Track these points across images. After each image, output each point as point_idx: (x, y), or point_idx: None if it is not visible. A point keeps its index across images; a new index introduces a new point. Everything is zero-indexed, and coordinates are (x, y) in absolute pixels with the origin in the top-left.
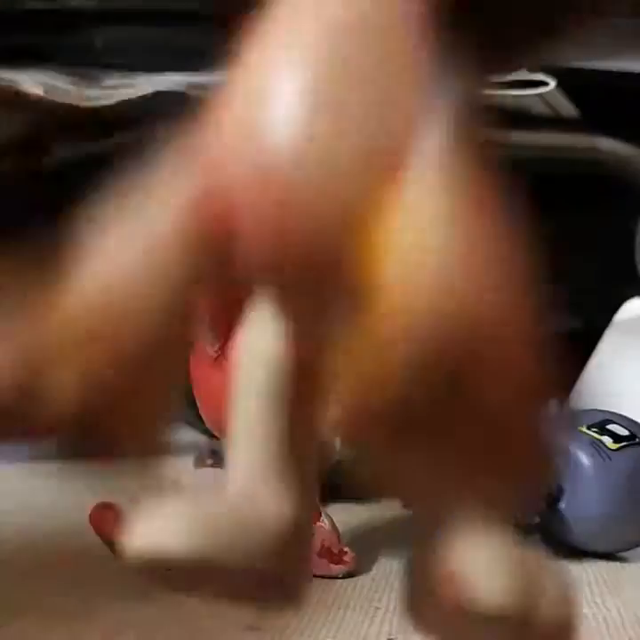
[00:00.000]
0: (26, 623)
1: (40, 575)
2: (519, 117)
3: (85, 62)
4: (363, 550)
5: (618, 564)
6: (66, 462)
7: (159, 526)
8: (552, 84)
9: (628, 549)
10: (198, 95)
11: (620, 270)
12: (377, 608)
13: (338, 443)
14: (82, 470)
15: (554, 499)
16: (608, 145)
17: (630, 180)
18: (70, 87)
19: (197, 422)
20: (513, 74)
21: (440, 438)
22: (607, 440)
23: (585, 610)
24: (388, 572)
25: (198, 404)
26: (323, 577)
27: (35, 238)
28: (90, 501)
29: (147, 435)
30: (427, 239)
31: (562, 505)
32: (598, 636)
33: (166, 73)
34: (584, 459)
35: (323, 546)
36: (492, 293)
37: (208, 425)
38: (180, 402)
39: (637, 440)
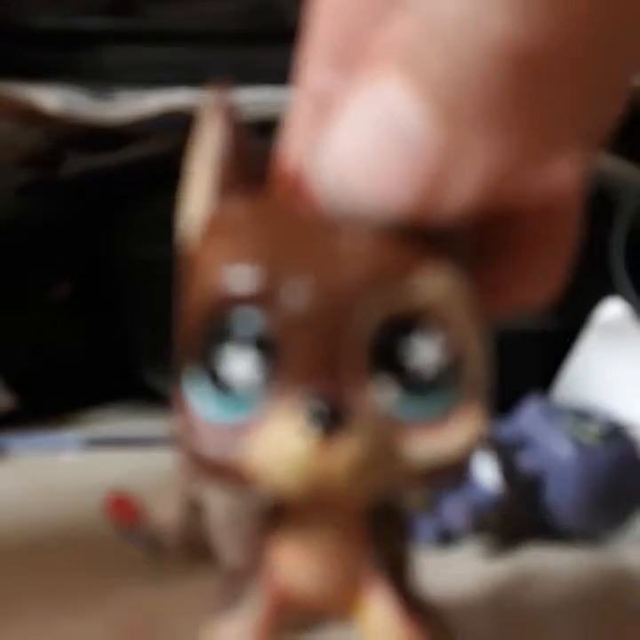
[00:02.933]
0: (30, 605)
1: (52, 561)
2: None
3: (98, 79)
4: None
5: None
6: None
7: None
8: None
9: (608, 534)
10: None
11: (597, 273)
12: None
13: None
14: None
15: (537, 490)
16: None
17: (606, 190)
18: (84, 103)
19: None
20: None
21: None
22: (586, 434)
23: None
24: None
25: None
26: None
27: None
28: (105, 490)
29: None
30: None
31: (544, 497)
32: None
33: (175, 89)
34: (566, 452)
35: None
36: None
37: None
38: None
39: (617, 433)
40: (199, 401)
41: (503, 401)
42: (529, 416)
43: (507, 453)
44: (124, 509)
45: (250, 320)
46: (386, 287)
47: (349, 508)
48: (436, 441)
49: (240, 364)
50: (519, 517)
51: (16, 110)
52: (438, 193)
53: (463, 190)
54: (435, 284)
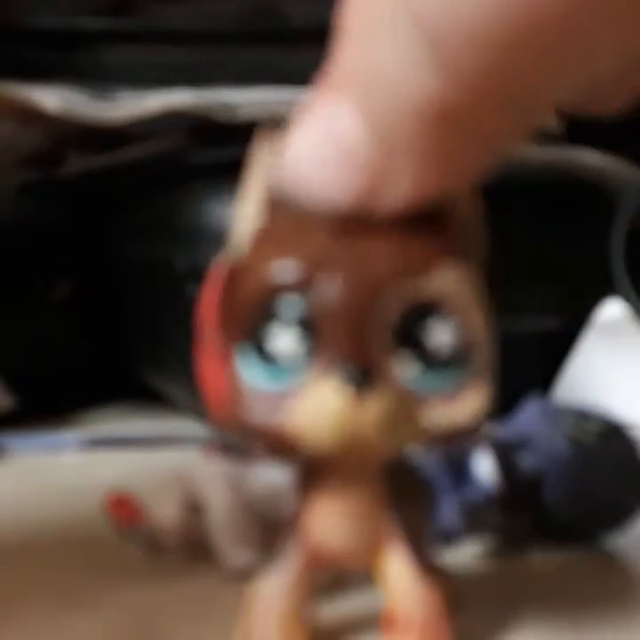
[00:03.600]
0: (30, 605)
1: (51, 560)
2: None
3: (98, 79)
4: None
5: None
6: (86, 452)
7: None
8: None
9: (608, 534)
10: (209, 111)
11: (597, 273)
12: None
13: None
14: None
15: (536, 489)
16: (588, 158)
17: (607, 190)
18: (84, 103)
19: (204, 416)
20: None
21: None
22: (585, 433)
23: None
24: None
25: (206, 399)
26: None
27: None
28: (105, 490)
29: None
30: None
31: (543, 495)
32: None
33: (175, 89)
34: (565, 452)
35: None
36: None
37: (213, 417)
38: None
39: (617, 433)
40: (249, 373)
41: (503, 401)
42: (529, 416)
43: (506, 453)
44: (124, 509)
45: (293, 304)
46: (407, 279)
47: (369, 474)
48: (449, 410)
49: (285, 340)
50: (518, 517)
51: (16, 110)
52: (371, 197)
53: (391, 197)
54: (449, 278)
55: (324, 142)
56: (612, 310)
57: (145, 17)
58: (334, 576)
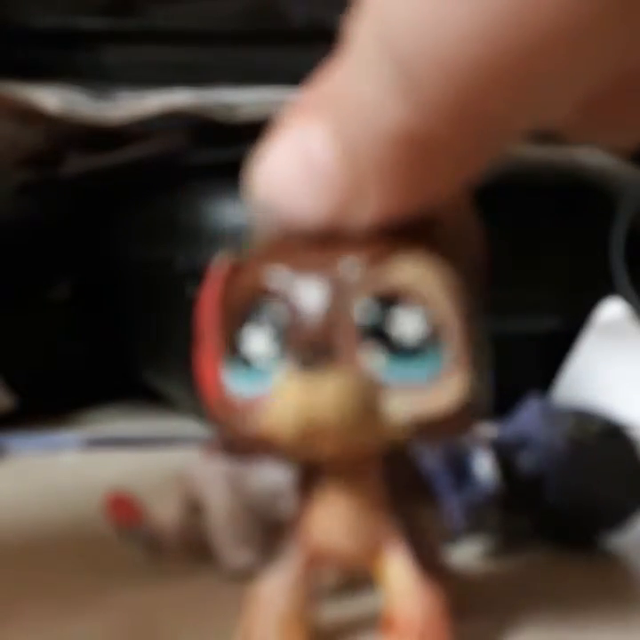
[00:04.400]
0: (30, 606)
1: (51, 561)
2: None
3: (98, 79)
4: None
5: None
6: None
7: None
8: None
9: (608, 534)
10: (209, 111)
11: (597, 273)
12: None
13: None
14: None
15: (535, 487)
16: (587, 158)
17: (607, 190)
18: (84, 103)
19: (204, 415)
20: None
21: None
22: (585, 433)
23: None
24: None
25: (205, 399)
26: None
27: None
28: (104, 490)
29: None
30: None
31: (543, 495)
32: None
33: (175, 89)
34: (564, 451)
35: None
36: None
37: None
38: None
39: (617, 433)
40: (231, 378)
41: (503, 401)
42: (529, 416)
43: (506, 453)
44: (124, 509)
45: (272, 309)
46: (370, 271)
47: (366, 475)
48: (418, 401)
49: (260, 343)
50: (518, 517)
51: (16, 110)
52: (339, 215)
53: (359, 216)
54: (410, 268)
55: (294, 162)
56: (612, 310)
57: (145, 17)
58: (341, 579)
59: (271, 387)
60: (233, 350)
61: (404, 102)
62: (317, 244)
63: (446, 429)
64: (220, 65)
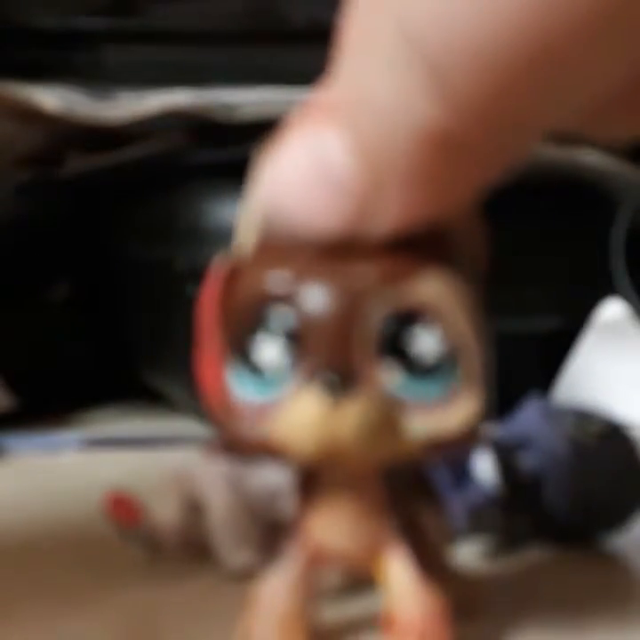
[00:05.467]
0: (30, 606)
1: (51, 561)
2: None
3: (98, 79)
4: None
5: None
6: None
7: None
8: None
9: (607, 534)
10: (209, 111)
11: (597, 273)
12: None
13: None
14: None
15: (535, 488)
16: (588, 158)
17: (607, 190)
18: (84, 102)
19: (204, 415)
20: None
21: None
22: (586, 434)
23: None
24: None
25: (205, 400)
26: None
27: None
28: (104, 490)
29: None
30: None
31: (543, 495)
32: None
33: (175, 89)
34: (564, 451)
35: None
36: None
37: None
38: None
39: (617, 433)
40: (237, 383)
41: (503, 401)
42: (529, 416)
43: (506, 453)
44: (124, 509)
45: (279, 316)
46: (390, 287)
47: (366, 476)
48: (434, 419)
49: (270, 351)
50: (519, 518)
51: (16, 110)
52: (356, 223)
53: (377, 224)
54: (433, 286)
55: (308, 167)
56: (612, 310)
57: (145, 17)
58: (342, 579)
59: (282, 396)
60: (238, 354)
61: (433, 101)
62: (329, 250)
63: (459, 445)
64: (219, 65)
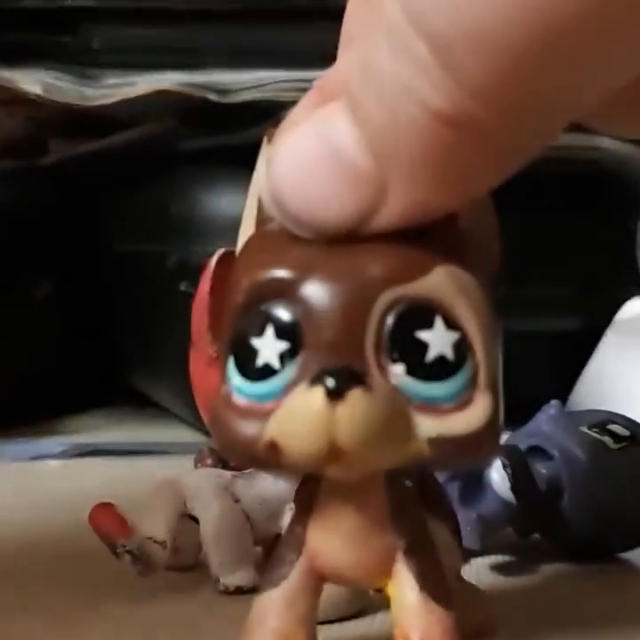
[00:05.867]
0: (15, 624)
1: (38, 575)
2: None
3: (84, 61)
4: None
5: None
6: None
7: None
8: None
9: (629, 550)
10: (202, 93)
11: (620, 270)
12: None
13: None
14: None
15: (553, 498)
16: (608, 144)
17: (630, 180)
18: (69, 86)
19: (197, 422)
20: None
21: None
22: (608, 440)
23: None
24: None
25: (197, 403)
26: None
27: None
28: (91, 501)
29: None
30: None
31: (561, 506)
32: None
33: (165, 72)
34: (584, 458)
35: None
36: None
37: (205, 423)
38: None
39: (638, 440)
40: (235, 383)
41: (517, 406)
42: (545, 422)
43: (521, 462)
44: (111, 522)
45: (280, 312)
46: (400, 285)
47: (370, 486)
48: (443, 422)
49: (271, 349)
50: (535, 529)
51: None
52: (365, 213)
53: (385, 216)
54: (443, 283)
55: (314, 154)
56: (633, 309)
57: None
58: (348, 597)
59: (283, 395)
60: (235, 351)
61: (440, 83)
62: (333, 243)
63: (471, 452)
64: (213, 46)
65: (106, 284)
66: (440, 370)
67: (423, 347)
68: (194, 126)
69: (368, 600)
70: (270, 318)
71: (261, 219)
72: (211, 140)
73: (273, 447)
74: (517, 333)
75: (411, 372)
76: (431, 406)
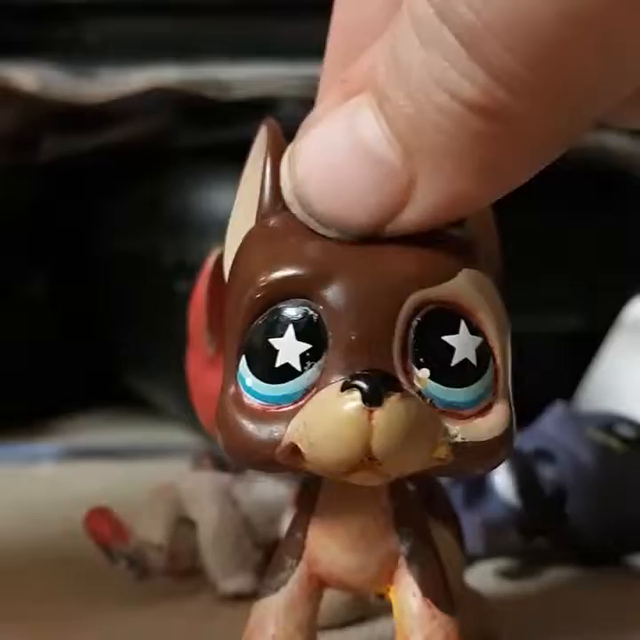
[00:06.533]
0: (16, 629)
1: (33, 580)
2: None
3: (78, 54)
4: None
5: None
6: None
7: None
8: None
9: (634, 554)
10: (199, 88)
11: (624, 267)
12: None
13: None
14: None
15: (558, 502)
16: (615, 142)
17: (634, 179)
18: (63, 80)
19: (194, 424)
20: None
21: None
22: (613, 442)
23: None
24: None
25: (194, 405)
26: None
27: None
28: (86, 505)
29: None
30: None
31: (566, 508)
32: None
33: (161, 66)
34: (590, 461)
35: None
36: None
37: (203, 425)
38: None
39: None
40: (249, 385)
41: (524, 405)
42: (551, 423)
43: (527, 465)
44: (107, 527)
45: (302, 313)
46: (426, 288)
47: (373, 492)
48: (468, 429)
49: (287, 350)
50: (540, 533)
51: None
52: (392, 211)
53: (413, 214)
54: (466, 287)
55: (341, 149)
56: (639, 308)
57: None
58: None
59: (303, 398)
60: (248, 352)
61: (472, 73)
62: (353, 242)
63: (489, 458)
64: (211, 39)
65: (100, 283)
66: (464, 375)
67: (449, 351)
68: (190, 122)
69: (369, 606)
70: (290, 318)
71: (262, 214)
72: (207, 137)
73: (294, 451)
74: (522, 334)
75: (435, 376)
76: (453, 411)
